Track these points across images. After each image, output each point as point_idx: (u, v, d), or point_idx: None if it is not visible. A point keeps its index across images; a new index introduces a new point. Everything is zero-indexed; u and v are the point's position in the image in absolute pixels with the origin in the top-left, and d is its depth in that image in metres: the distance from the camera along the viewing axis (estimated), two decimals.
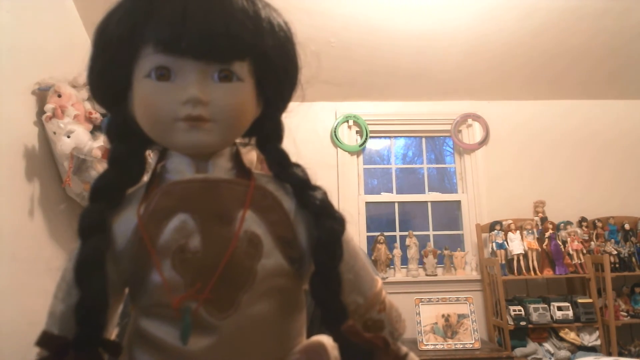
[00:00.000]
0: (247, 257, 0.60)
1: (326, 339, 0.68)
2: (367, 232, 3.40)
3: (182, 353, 0.59)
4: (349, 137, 3.47)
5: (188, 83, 0.59)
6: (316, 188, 0.66)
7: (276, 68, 0.64)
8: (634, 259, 3.21)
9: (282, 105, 0.69)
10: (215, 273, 0.58)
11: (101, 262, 0.59)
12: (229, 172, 0.66)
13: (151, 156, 0.71)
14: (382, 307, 0.72)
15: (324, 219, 0.64)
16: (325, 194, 0.66)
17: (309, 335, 0.70)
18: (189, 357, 0.60)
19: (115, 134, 0.66)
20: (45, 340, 0.61)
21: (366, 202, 3.47)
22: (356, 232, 3.30)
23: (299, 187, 0.65)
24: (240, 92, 0.62)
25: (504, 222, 3.27)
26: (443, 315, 2.98)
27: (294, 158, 0.68)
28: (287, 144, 0.68)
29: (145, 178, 0.67)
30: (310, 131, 3.35)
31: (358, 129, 3.49)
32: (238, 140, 0.70)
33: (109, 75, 0.63)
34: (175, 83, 0.59)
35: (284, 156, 0.67)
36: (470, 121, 3.52)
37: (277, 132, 0.69)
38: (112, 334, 0.69)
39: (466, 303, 3.02)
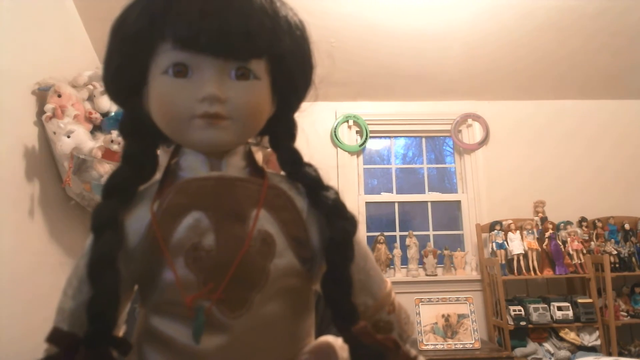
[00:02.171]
0: (260, 257, 0.60)
1: (334, 340, 0.68)
2: (367, 232, 3.40)
3: (193, 352, 0.59)
4: (349, 137, 3.47)
5: (205, 80, 0.58)
6: (328, 188, 0.65)
7: (292, 67, 0.64)
8: (634, 259, 3.22)
9: (296, 104, 0.69)
10: (228, 272, 0.58)
11: (114, 259, 0.58)
12: (243, 170, 0.66)
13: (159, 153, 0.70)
14: (392, 309, 0.71)
15: (336, 219, 0.63)
16: (337, 194, 0.65)
17: (319, 334, 0.70)
18: (200, 356, 0.59)
19: (129, 130, 0.66)
20: (55, 337, 0.61)
21: (366, 202, 3.46)
22: None
23: (312, 187, 0.65)
24: (257, 90, 0.61)
25: (504, 222, 3.27)
26: (443, 315, 2.98)
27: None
28: (300, 143, 0.68)
29: (158, 175, 0.67)
30: (310, 131, 3.34)
31: (358, 129, 3.49)
32: (249, 140, 0.69)
33: (124, 71, 0.62)
34: (192, 80, 0.59)
35: (296, 155, 0.67)
36: (470, 121, 3.53)
37: (290, 131, 0.68)
38: (121, 330, 0.69)
39: (466, 303, 3.02)
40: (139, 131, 0.65)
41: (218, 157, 0.64)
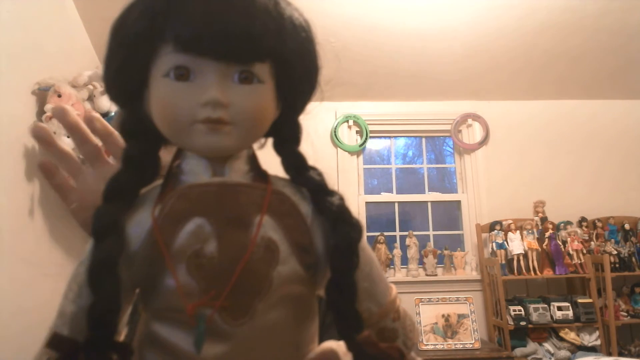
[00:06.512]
0: (263, 264, 0.59)
1: (336, 345, 0.67)
2: (367, 232, 3.39)
3: None
4: (349, 137, 3.47)
5: (208, 84, 0.57)
6: (333, 193, 0.64)
7: (297, 70, 0.62)
8: (634, 259, 3.22)
9: (300, 107, 0.67)
10: (231, 279, 0.57)
11: (115, 265, 0.57)
12: (246, 175, 0.65)
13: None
14: (397, 316, 0.70)
15: (341, 225, 0.62)
16: (342, 199, 0.64)
17: (319, 337, 0.69)
18: None
19: (130, 132, 0.65)
20: (55, 342, 0.60)
21: (366, 202, 3.46)
22: None
23: (316, 192, 0.64)
24: (260, 94, 0.60)
25: (504, 222, 3.27)
26: (443, 315, 2.98)
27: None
28: (304, 147, 0.67)
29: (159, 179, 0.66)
30: (310, 131, 3.33)
31: (358, 129, 3.49)
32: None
33: (125, 73, 0.60)
34: (194, 84, 0.57)
35: (301, 159, 0.65)
36: (470, 121, 3.53)
37: (294, 134, 0.67)
38: (122, 334, 0.68)
39: (466, 303, 3.02)
40: (140, 133, 0.63)
41: (221, 161, 0.63)
